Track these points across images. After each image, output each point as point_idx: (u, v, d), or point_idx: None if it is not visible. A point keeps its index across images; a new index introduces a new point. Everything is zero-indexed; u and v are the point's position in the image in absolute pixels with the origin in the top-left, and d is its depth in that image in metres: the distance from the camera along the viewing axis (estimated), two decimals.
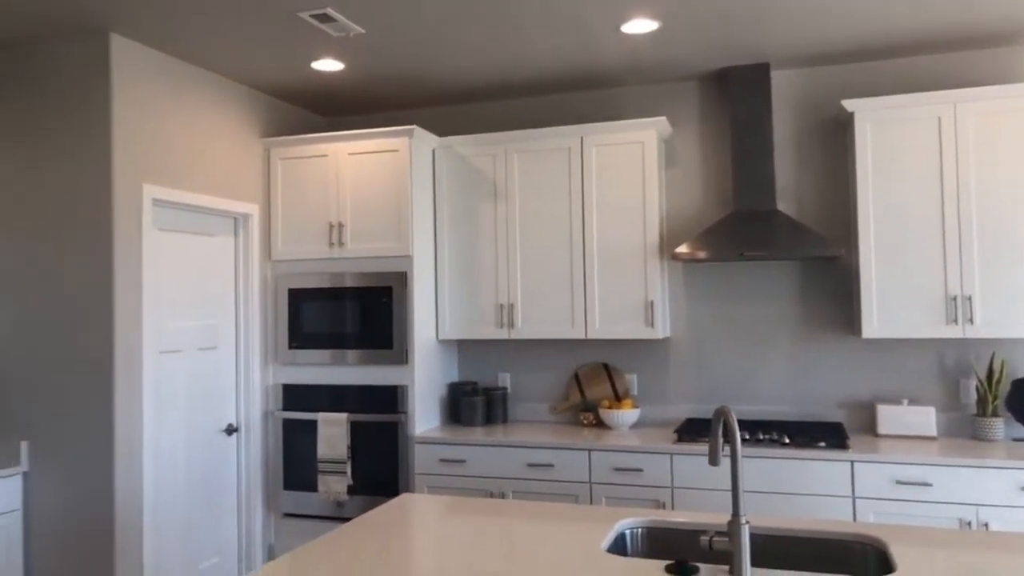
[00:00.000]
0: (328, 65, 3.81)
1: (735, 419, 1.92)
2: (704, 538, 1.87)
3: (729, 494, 3.49)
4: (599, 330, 3.98)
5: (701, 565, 1.92)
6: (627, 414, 4.04)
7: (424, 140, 4.15)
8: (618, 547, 2.28)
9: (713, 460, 1.94)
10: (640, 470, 3.62)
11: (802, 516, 3.20)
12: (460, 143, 4.23)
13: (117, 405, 3.26)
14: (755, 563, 2.22)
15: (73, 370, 3.30)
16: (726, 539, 1.85)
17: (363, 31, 3.34)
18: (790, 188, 4.05)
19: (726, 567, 1.90)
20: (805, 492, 3.39)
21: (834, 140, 4.00)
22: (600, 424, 4.18)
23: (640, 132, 3.95)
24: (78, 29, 3.28)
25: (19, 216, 3.41)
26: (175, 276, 3.72)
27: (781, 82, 4.06)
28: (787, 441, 3.50)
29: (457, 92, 4.35)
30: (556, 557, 2.02)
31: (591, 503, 3.68)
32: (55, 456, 3.32)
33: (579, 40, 3.51)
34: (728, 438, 1.91)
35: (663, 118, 3.93)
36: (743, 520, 1.82)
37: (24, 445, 3.35)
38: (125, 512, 3.28)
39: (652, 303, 3.90)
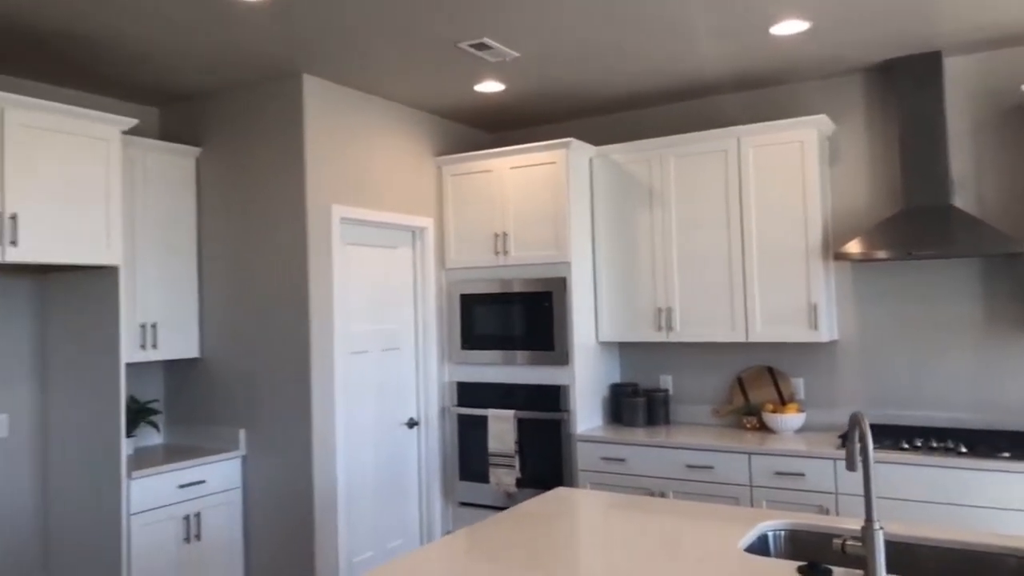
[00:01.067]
0: (489, 87, 4.09)
1: (867, 424, 1.93)
2: (837, 541, 1.91)
3: (897, 502, 3.36)
4: (760, 333, 3.96)
5: (836, 568, 1.94)
6: (792, 418, 3.98)
7: (580, 151, 4.34)
8: (760, 548, 2.34)
9: (850, 465, 1.96)
10: (802, 475, 3.57)
11: (978, 530, 3.03)
12: (616, 151, 4.37)
13: (314, 400, 3.73)
14: (893, 571, 2.19)
15: (280, 369, 3.82)
16: (859, 544, 1.87)
17: (518, 55, 3.58)
18: (968, 182, 3.80)
19: (860, 572, 1.92)
20: (983, 505, 3.19)
21: (1018, 129, 3.70)
22: (764, 428, 4.15)
23: (799, 131, 3.88)
24: (277, 74, 3.80)
25: (233, 237, 4.00)
26: (361, 285, 4.17)
27: (955, 69, 3.82)
28: (964, 450, 3.32)
29: (611, 102, 4.49)
30: (693, 552, 2.12)
31: (752, 506, 3.69)
32: (266, 443, 3.86)
33: (729, 45, 3.54)
34: (862, 443, 1.92)
35: (823, 116, 3.84)
36: (877, 526, 1.84)
37: (242, 433, 3.93)
38: (323, 492, 3.75)
39: (816, 305, 3.82)
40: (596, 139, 4.82)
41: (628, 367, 4.67)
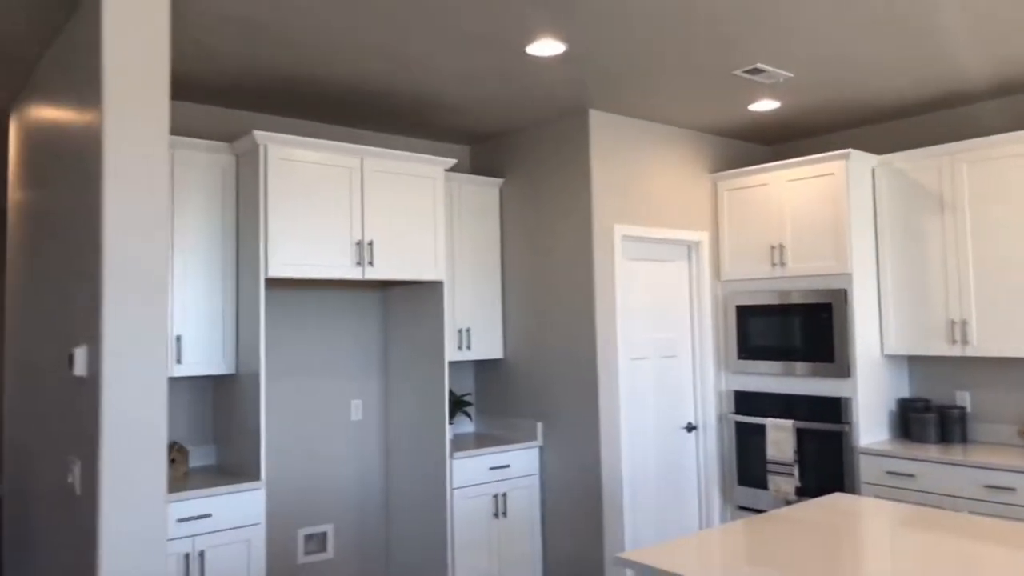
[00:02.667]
0: (764, 105, 4.25)
1: None
2: None
3: None
4: None
5: None
6: None
7: (861, 160, 4.30)
8: None
9: None
10: None
11: None
12: (900, 159, 4.26)
13: (601, 399, 4.17)
14: None
15: (571, 371, 4.32)
16: None
17: (791, 75, 3.71)
18: None
19: None
20: None
21: None
22: None
23: None
24: (566, 112, 4.31)
25: (530, 255, 4.59)
26: (640, 296, 4.53)
27: None
28: None
29: (891, 109, 4.37)
30: (978, 572, 2.15)
31: None
32: (559, 436, 4.37)
33: (1006, 48, 3.35)
34: None
35: None
36: None
37: (539, 426, 4.49)
38: (609, 484, 4.16)
39: None
40: (876, 147, 4.71)
41: (919, 381, 4.49)
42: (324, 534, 4.26)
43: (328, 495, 4.31)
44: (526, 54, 3.39)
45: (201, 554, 3.26)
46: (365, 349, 4.53)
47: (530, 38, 3.21)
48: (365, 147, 3.91)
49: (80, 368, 2.67)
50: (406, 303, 4.43)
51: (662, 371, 4.63)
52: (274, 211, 3.61)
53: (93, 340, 2.60)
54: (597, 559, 4.13)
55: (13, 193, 3.98)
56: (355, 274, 3.85)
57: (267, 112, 4.22)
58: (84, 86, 2.78)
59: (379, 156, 3.97)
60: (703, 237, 4.79)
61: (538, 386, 4.52)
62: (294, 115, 4.29)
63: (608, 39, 3.24)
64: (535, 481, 4.45)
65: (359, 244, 3.87)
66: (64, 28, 3.07)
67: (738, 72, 3.65)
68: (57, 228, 3.10)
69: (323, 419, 4.34)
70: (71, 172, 2.93)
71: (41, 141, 3.45)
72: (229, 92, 3.86)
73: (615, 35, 3.19)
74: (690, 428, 4.72)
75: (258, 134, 3.59)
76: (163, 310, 2.66)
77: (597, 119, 4.30)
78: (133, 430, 2.57)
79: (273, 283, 4.17)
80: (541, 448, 4.49)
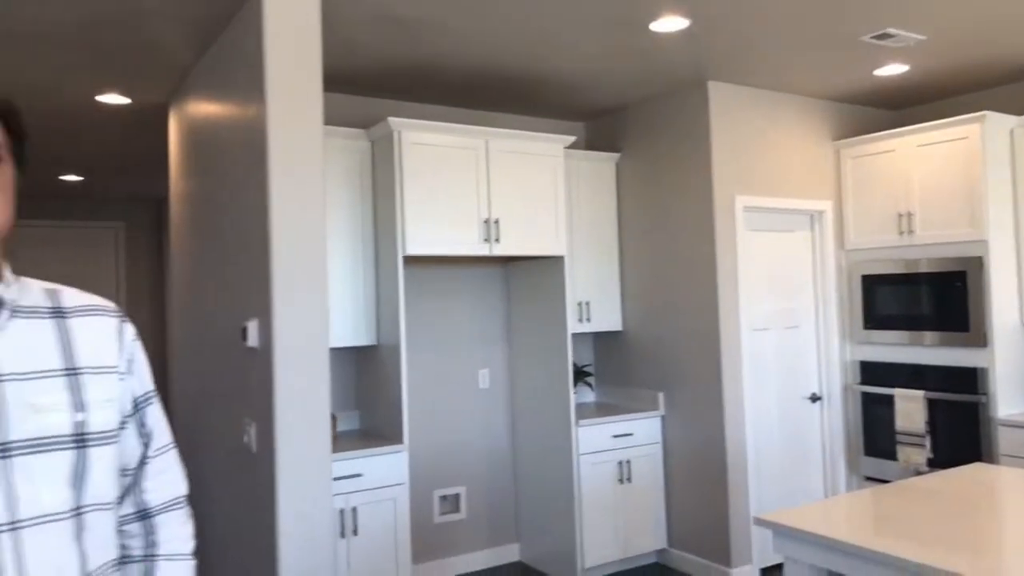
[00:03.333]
0: (891, 70, 4.13)
1: None
2: None
3: None
4: None
5: None
6: None
7: (998, 122, 4.12)
8: None
9: None
10: None
11: None
12: None
13: (724, 369, 4.22)
14: None
15: (692, 342, 4.38)
16: None
17: (924, 38, 3.61)
18: None
19: None
20: None
21: None
22: None
23: None
24: (684, 85, 4.34)
25: (648, 228, 4.66)
26: (762, 267, 4.53)
27: None
28: None
29: None
30: None
31: None
32: (682, 406, 4.46)
33: None
34: None
35: None
36: None
37: (660, 395, 4.58)
38: (733, 453, 4.22)
39: None
40: (1014, 108, 4.50)
41: None
42: (457, 495, 4.53)
43: (460, 458, 4.56)
44: (649, 31, 3.45)
45: (354, 510, 3.56)
46: (489, 321, 4.74)
47: (655, 15, 3.28)
48: (490, 128, 4.08)
49: (252, 339, 2.98)
50: (527, 277, 4.60)
51: (784, 342, 4.62)
52: (409, 193, 3.84)
53: (264, 314, 2.89)
54: (722, 524, 4.21)
55: (176, 181, 4.38)
56: (483, 250, 4.04)
57: (394, 98, 4.45)
58: (246, 84, 3.05)
59: (503, 136, 4.13)
60: (826, 206, 4.72)
61: (659, 357, 4.60)
62: (418, 100, 4.50)
63: (732, 12, 3.26)
64: (657, 449, 4.56)
65: (486, 222, 4.05)
66: (219, 36, 3.37)
67: (865, 38, 3.58)
68: (224, 211, 3.43)
69: (453, 387, 4.59)
70: (236, 160, 3.23)
71: (201, 134, 3.80)
72: (364, 81, 4.10)
73: (739, 7, 3.21)
74: (814, 399, 4.70)
75: (392, 120, 3.81)
76: (324, 286, 2.93)
77: (716, 90, 4.30)
78: (301, 396, 2.85)
79: (406, 260, 4.43)
80: (663, 417, 4.58)
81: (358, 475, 3.57)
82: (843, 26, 3.45)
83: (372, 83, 4.14)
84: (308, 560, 2.85)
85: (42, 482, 1.05)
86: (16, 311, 1.11)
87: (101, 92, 4.18)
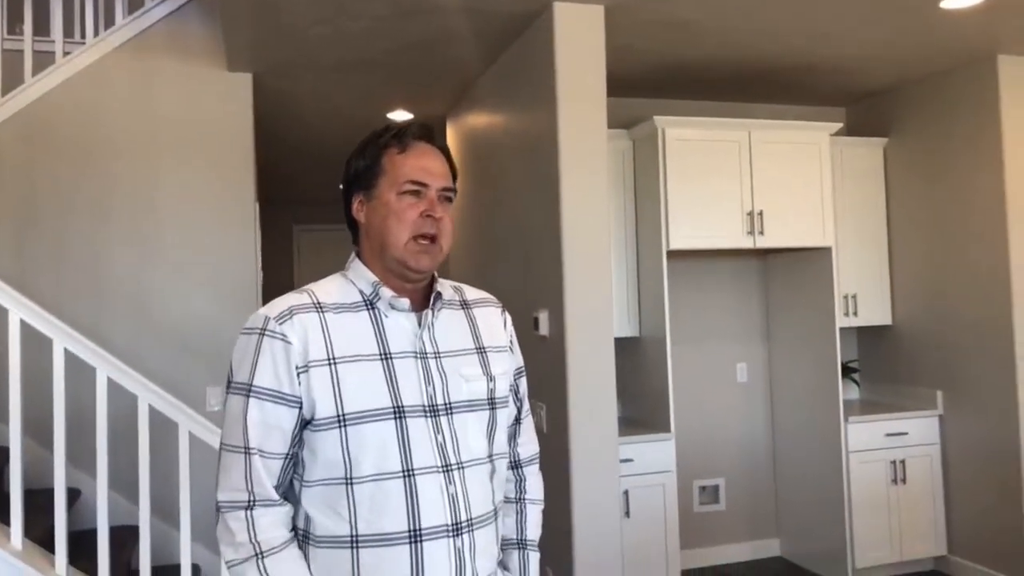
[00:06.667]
0: None
1: None
2: None
3: None
4: None
5: None
6: None
7: None
8: None
9: None
10: None
11: None
12: None
13: (1020, 371, 3.86)
14: None
15: (979, 338, 4.06)
16: None
17: None
18: None
19: None
20: None
21: None
22: None
23: None
24: (967, 60, 4.02)
25: (925, 217, 4.37)
26: None
27: None
28: None
29: None
30: None
31: None
32: (965, 406, 4.16)
33: None
34: None
35: None
36: None
37: (939, 394, 4.30)
38: None
39: None
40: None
41: None
42: (716, 487, 4.57)
43: (719, 451, 4.60)
44: (939, 9, 3.27)
45: (625, 492, 3.73)
46: (747, 315, 4.71)
47: None
48: (751, 120, 4.07)
49: (544, 329, 3.24)
50: (788, 270, 4.51)
51: None
52: (672, 187, 3.94)
53: (556, 306, 3.14)
54: (1017, 535, 3.87)
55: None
56: (746, 243, 4.04)
57: (650, 96, 4.56)
58: (533, 94, 3.32)
59: (765, 127, 4.09)
60: None
61: (937, 354, 4.32)
62: (675, 96, 4.57)
63: None
64: (935, 450, 4.29)
65: (750, 214, 4.05)
66: (503, 52, 3.68)
67: None
68: (506, 210, 3.75)
69: (711, 380, 4.62)
70: (521, 163, 3.53)
71: (480, 141, 4.16)
72: (626, 83, 4.25)
73: None
74: None
75: (658, 119, 3.93)
76: (608, 279, 3.13)
77: (1008, 64, 3.95)
78: (590, 381, 3.07)
79: (667, 255, 4.53)
80: (941, 417, 4.30)
81: (630, 460, 3.74)
82: None
83: (633, 84, 4.28)
84: (597, 535, 3.06)
85: (472, 434, 1.38)
86: (445, 304, 1.45)
87: (391, 110, 4.71)
